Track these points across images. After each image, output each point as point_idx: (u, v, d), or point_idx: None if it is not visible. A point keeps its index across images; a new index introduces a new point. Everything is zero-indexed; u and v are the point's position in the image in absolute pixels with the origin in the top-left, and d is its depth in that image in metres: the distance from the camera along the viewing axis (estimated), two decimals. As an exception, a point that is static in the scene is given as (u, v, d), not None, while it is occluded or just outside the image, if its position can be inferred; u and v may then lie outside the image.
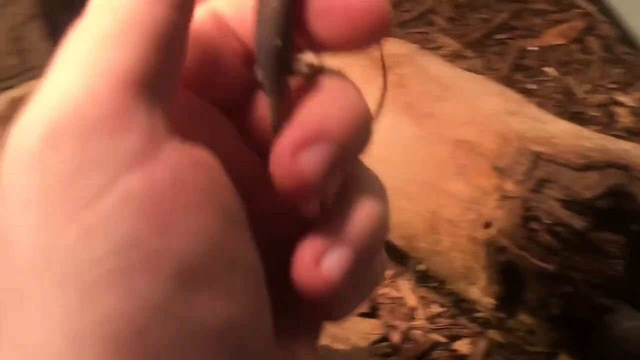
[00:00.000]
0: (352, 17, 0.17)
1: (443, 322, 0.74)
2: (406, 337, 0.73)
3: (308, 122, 0.17)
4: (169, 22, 0.16)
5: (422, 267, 0.77)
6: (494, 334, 0.68)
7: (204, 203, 0.15)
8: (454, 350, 0.70)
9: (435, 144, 0.62)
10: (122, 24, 0.16)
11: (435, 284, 0.76)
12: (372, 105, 0.20)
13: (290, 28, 0.18)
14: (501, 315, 0.65)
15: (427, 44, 0.93)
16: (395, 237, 0.67)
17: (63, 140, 0.14)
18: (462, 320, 0.74)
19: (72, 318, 0.14)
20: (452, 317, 0.74)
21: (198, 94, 0.19)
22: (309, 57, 0.19)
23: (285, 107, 0.19)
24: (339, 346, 0.66)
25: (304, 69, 0.19)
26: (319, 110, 0.18)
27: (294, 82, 0.19)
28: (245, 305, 0.16)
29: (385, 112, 0.62)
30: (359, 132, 0.18)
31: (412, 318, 0.75)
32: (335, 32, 0.18)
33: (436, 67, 0.71)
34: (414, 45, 0.80)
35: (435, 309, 0.75)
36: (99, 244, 0.14)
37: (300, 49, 0.19)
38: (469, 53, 0.95)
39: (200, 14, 0.19)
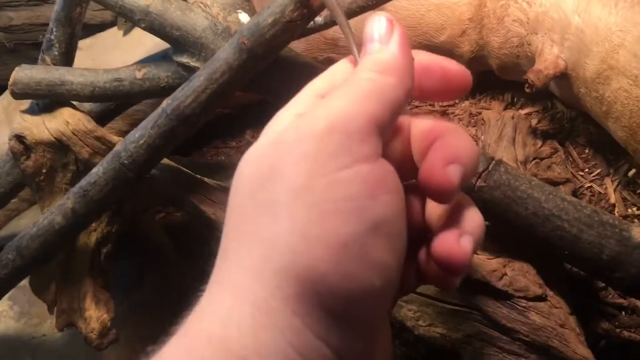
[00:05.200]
0: (446, 79, 0.27)
1: (638, 223, 0.79)
2: (599, 226, 0.79)
3: (448, 151, 0.27)
4: (399, 100, 0.27)
5: (631, 172, 0.83)
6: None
7: (391, 192, 0.25)
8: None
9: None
10: (373, 92, 0.26)
11: (640, 191, 0.82)
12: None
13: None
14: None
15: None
16: (618, 127, 0.71)
17: (335, 134, 0.25)
18: (658, 226, 0.78)
19: (308, 226, 0.23)
20: (649, 220, 0.79)
21: None
22: None
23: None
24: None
25: None
26: (454, 145, 0.27)
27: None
28: (397, 262, 0.25)
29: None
30: (474, 163, 0.27)
31: (610, 212, 0.80)
32: (433, 87, 0.28)
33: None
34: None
35: (634, 211, 0.81)
36: (337, 192, 0.24)
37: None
38: None
39: None
